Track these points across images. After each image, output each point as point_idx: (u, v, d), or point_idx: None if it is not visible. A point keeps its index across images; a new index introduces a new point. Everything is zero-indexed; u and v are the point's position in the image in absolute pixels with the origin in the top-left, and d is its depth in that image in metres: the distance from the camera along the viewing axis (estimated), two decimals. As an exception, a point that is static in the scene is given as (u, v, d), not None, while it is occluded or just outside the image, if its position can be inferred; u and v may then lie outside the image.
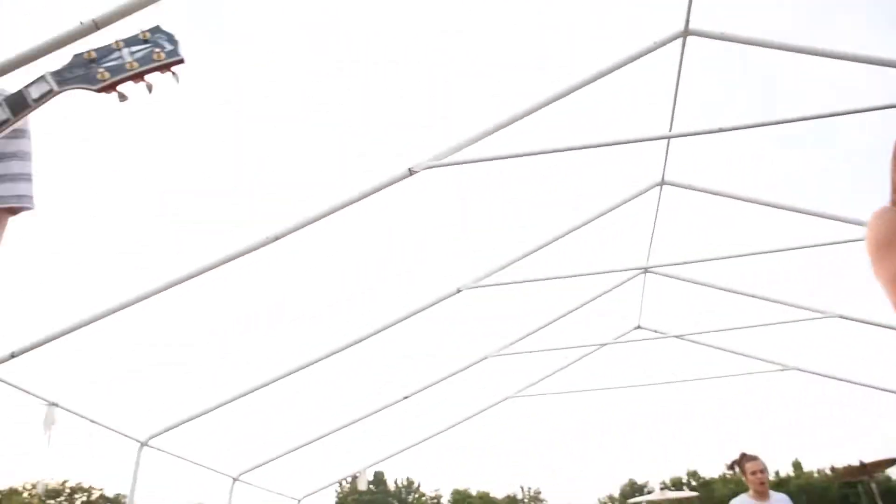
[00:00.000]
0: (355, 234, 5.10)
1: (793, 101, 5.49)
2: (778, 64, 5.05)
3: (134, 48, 1.26)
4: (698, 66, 5.14)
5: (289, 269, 5.16)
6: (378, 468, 9.84)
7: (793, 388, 8.87)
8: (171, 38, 1.28)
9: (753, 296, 7.56)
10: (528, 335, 7.88)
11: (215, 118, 4.05)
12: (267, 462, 7.51)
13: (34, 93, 1.20)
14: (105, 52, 1.26)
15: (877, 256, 1.55)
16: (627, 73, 4.93)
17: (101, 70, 1.23)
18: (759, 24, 4.67)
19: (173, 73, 1.27)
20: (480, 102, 4.76)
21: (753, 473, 5.02)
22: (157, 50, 1.26)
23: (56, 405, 5.36)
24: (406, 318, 6.19)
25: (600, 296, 7.88)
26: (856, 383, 8.44)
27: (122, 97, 1.24)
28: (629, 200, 6.41)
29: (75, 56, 1.26)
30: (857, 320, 7.32)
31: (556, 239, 6.32)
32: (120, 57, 1.25)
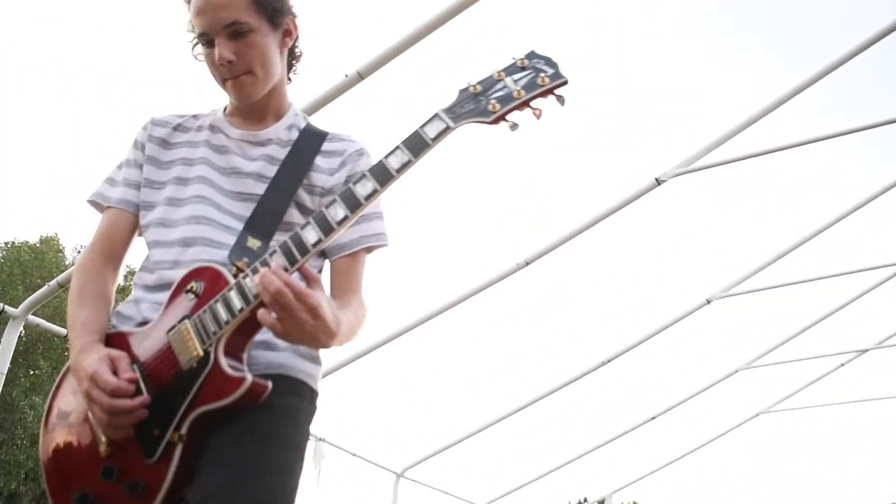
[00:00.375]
0: (598, 249, 4.98)
1: None
2: None
3: (516, 76, 1.23)
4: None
5: (532, 291, 5.15)
6: (622, 494, 9.47)
7: None
8: (549, 61, 1.24)
9: None
10: (781, 343, 7.22)
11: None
12: (518, 488, 7.49)
13: (431, 132, 1.20)
14: (488, 83, 1.24)
15: None
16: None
17: (491, 101, 1.21)
18: None
19: (557, 97, 1.21)
20: (725, 102, 4.47)
21: None
22: (542, 75, 1.21)
23: (323, 440, 5.72)
24: (653, 336, 5.91)
25: (865, 293, 7.04)
26: None
27: (514, 126, 1.21)
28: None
29: (461, 91, 1.25)
30: None
31: (819, 232, 5.71)
32: (505, 86, 1.22)
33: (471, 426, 6.17)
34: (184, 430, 1.19)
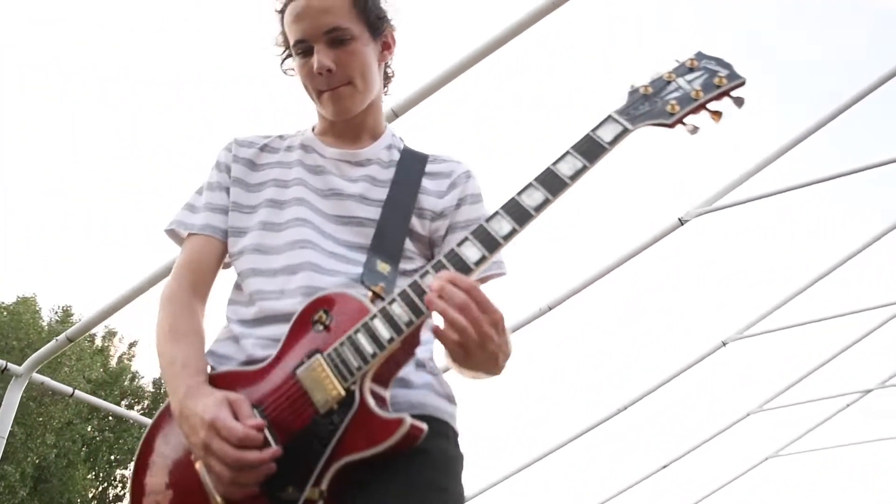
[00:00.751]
0: (616, 292, 4.86)
1: None
2: None
3: (688, 77, 1.11)
4: None
5: (552, 336, 4.98)
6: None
7: None
8: (721, 62, 1.12)
9: None
10: (791, 386, 7.10)
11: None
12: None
13: (606, 135, 1.06)
14: (660, 84, 1.11)
15: None
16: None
17: (670, 103, 1.07)
18: None
19: (735, 98, 1.08)
20: (745, 143, 4.44)
21: None
22: (718, 75, 1.09)
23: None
24: (669, 381, 5.76)
25: (869, 334, 6.98)
26: None
27: (695, 130, 1.08)
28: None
29: (632, 93, 1.11)
30: None
31: (829, 272, 5.67)
32: (679, 87, 1.10)
33: (486, 478, 5.92)
34: (324, 486, 0.99)
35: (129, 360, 23.77)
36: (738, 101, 1.09)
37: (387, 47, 1.42)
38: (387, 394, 1.08)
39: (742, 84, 1.09)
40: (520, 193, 1.06)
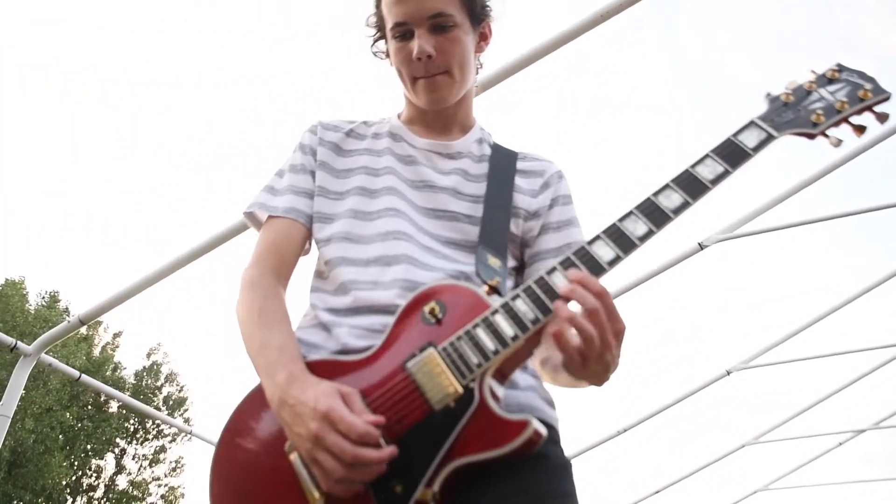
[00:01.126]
0: (632, 312, 4.81)
1: None
2: None
3: (830, 88, 1.06)
4: None
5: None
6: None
7: None
8: (864, 75, 1.07)
9: None
10: (787, 420, 7.08)
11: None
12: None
13: (749, 141, 1.01)
14: (802, 93, 1.07)
15: None
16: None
17: (815, 112, 1.03)
18: None
19: (878, 114, 1.04)
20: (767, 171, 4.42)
21: None
22: (863, 88, 1.04)
23: None
24: (670, 406, 5.72)
25: (868, 374, 6.98)
26: None
27: (838, 143, 1.03)
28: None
29: (772, 100, 1.07)
30: None
31: (835, 310, 5.67)
32: (822, 98, 1.05)
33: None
34: (437, 487, 0.93)
35: (113, 350, 23.51)
36: (882, 117, 1.04)
37: (484, 38, 1.37)
38: (502, 393, 1.02)
39: (887, 99, 1.04)
40: (656, 194, 1.00)
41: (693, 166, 1.01)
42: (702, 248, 4.40)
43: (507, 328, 0.97)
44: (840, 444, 8.05)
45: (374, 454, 0.91)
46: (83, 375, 3.89)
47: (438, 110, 1.34)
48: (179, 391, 24.09)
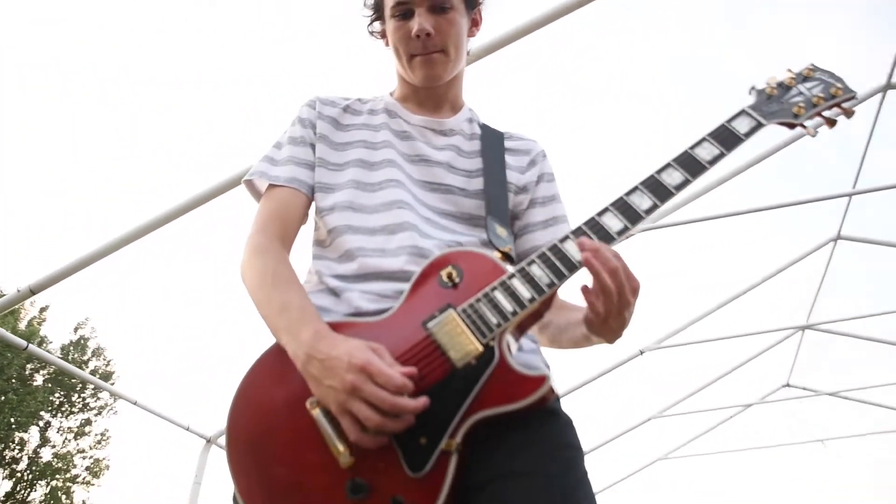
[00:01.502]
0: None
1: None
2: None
3: (807, 84, 1.12)
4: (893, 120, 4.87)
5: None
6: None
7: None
8: (833, 75, 1.14)
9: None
10: (687, 397, 7.44)
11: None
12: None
13: (741, 127, 1.06)
14: (784, 88, 1.12)
15: None
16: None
17: (797, 105, 1.08)
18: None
19: (845, 110, 1.11)
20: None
21: None
22: (835, 86, 1.11)
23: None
24: (588, 382, 5.91)
25: (760, 354, 7.42)
26: None
27: (812, 132, 1.09)
28: (804, 258, 6.07)
29: (759, 92, 1.12)
30: None
31: (734, 299, 6.00)
32: (801, 93, 1.11)
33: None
34: (459, 438, 0.94)
35: (40, 324, 22.27)
36: (848, 112, 1.11)
37: (475, 24, 1.40)
38: (515, 352, 1.03)
39: (853, 97, 1.11)
40: (659, 172, 1.04)
41: (692, 148, 1.05)
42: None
43: (524, 291, 0.99)
44: (731, 417, 8.53)
45: (411, 403, 0.91)
46: (30, 346, 3.68)
47: (431, 88, 1.35)
48: (106, 366, 23.07)
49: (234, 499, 1.01)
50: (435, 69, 1.30)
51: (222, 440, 4.66)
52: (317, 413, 0.97)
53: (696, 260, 5.58)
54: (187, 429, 4.38)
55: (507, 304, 0.98)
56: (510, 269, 1.02)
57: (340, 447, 0.94)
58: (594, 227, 1.01)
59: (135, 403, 4.10)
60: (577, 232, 1.01)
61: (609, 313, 0.97)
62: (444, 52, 1.28)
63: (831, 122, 1.10)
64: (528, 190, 1.36)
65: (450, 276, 1.04)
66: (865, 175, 5.23)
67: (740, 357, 7.47)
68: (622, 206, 1.02)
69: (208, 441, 4.50)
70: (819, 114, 1.10)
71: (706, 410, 7.98)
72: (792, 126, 1.09)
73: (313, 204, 1.30)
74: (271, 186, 1.27)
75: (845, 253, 6.11)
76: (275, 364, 1.05)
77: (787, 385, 8.51)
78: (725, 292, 6.10)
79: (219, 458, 4.61)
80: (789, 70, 1.15)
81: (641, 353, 5.97)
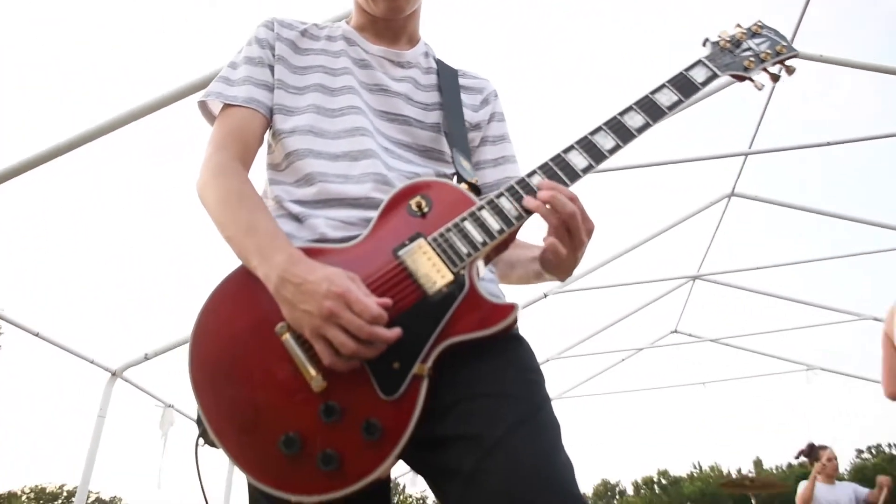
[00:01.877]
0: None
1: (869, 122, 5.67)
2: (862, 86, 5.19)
3: (756, 40, 1.21)
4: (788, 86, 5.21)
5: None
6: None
7: (819, 389, 9.00)
8: (777, 33, 1.23)
9: (795, 300, 7.68)
10: (583, 340, 7.87)
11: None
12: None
13: (698, 77, 1.14)
14: (735, 42, 1.20)
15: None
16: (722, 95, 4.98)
17: (748, 59, 1.17)
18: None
19: (787, 67, 1.21)
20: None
21: (830, 460, 5.18)
22: (780, 43, 1.20)
23: (172, 407, 5.14)
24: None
25: (654, 301, 7.92)
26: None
27: (759, 86, 1.18)
28: (699, 212, 6.48)
29: (713, 44, 1.19)
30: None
31: (633, 248, 6.35)
32: (750, 48, 1.19)
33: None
34: (430, 363, 0.98)
35: None
36: (790, 70, 1.21)
37: None
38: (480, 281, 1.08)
39: (795, 55, 1.21)
40: (622, 114, 1.09)
41: (652, 93, 1.11)
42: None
43: (493, 223, 1.03)
44: (623, 360, 9.10)
45: (386, 332, 0.94)
46: None
47: (391, 20, 1.34)
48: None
49: (199, 420, 1.02)
50: (398, 2, 1.29)
51: (128, 373, 4.52)
52: (287, 337, 0.98)
53: (601, 209, 5.82)
54: (92, 362, 4.23)
55: (476, 235, 1.02)
56: (479, 201, 1.06)
57: (312, 371, 0.96)
58: (560, 163, 1.06)
59: (37, 335, 3.91)
60: (544, 167, 1.06)
61: (563, 256, 1.04)
62: None
63: (775, 78, 1.20)
64: (480, 128, 1.39)
65: (419, 205, 1.07)
66: (761, 137, 5.61)
67: (636, 303, 7.94)
68: (587, 145, 1.07)
69: (113, 374, 4.36)
70: (765, 69, 1.19)
71: (601, 353, 8.48)
72: (742, 79, 1.17)
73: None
74: (228, 106, 1.23)
75: (738, 209, 6.56)
76: (240, 286, 1.05)
77: (675, 331, 9.16)
78: (626, 242, 6.44)
79: (124, 392, 4.50)
80: (738, 25, 1.23)
81: (545, 295, 6.24)
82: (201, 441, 1.03)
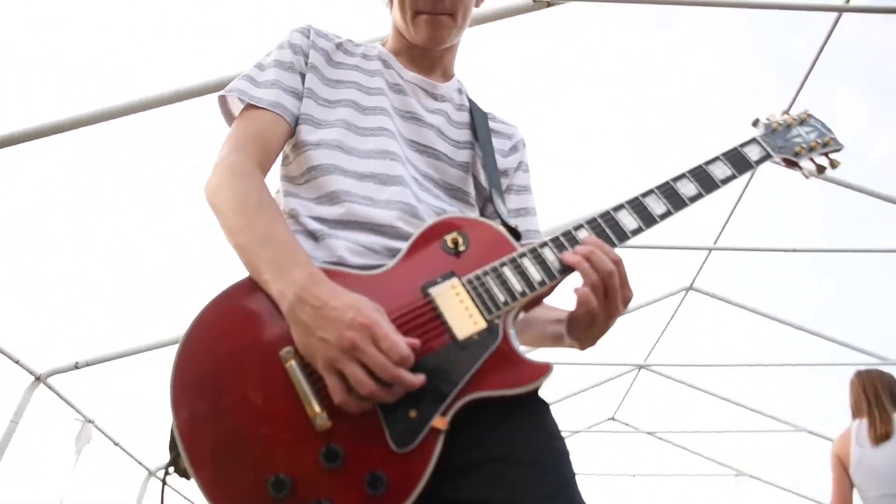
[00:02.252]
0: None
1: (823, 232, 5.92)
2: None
3: (804, 128, 1.20)
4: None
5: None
6: None
7: (747, 496, 9.08)
8: (825, 125, 1.23)
9: (735, 402, 7.79)
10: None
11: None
12: None
13: (753, 154, 1.12)
14: (786, 127, 1.19)
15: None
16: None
17: (799, 145, 1.16)
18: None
19: (831, 161, 1.20)
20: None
21: None
22: (827, 135, 1.20)
23: (93, 423, 4.81)
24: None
25: (598, 385, 7.92)
26: (808, 498, 8.71)
27: (807, 174, 1.17)
28: (658, 301, 6.58)
29: (765, 125, 1.18)
30: (823, 437, 7.63)
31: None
32: (800, 135, 1.19)
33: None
34: (449, 417, 0.88)
35: None
36: (834, 164, 1.21)
37: None
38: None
39: (840, 150, 1.21)
40: (675, 181, 1.06)
41: (707, 164, 1.09)
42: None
43: (535, 273, 0.97)
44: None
45: (411, 378, 0.84)
46: None
47: (429, 49, 1.30)
48: None
49: (171, 443, 0.89)
50: (440, 31, 1.25)
51: (52, 380, 4.21)
52: (292, 364, 0.88)
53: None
54: (17, 362, 3.92)
55: (516, 284, 0.96)
56: (520, 247, 1.00)
57: (317, 408, 0.85)
58: (609, 220, 1.02)
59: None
60: (592, 222, 1.01)
61: (595, 321, 0.98)
62: (453, 16, 1.24)
63: (821, 169, 1.19)
64: (507, 174, 1.35)
65: (455, 242, 1.00)
66: (727, 234, 5.76)
67: (579, 385, 7.92)
68: (637, 207, 1.03)
69: (37, 378, 4.05)
70: (812, 158, 1.19)
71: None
72: (792, 165, 1.16)
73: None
74: (250, 107, 1.15)
75: (695, 303, 6.68)
76: (244, 300, 0.95)
77: (613, 419, 9.15)
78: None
79: (46, 399, 4.19)
80: (786, 112, 1.24)
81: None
82: (171, 469, 0.91)
